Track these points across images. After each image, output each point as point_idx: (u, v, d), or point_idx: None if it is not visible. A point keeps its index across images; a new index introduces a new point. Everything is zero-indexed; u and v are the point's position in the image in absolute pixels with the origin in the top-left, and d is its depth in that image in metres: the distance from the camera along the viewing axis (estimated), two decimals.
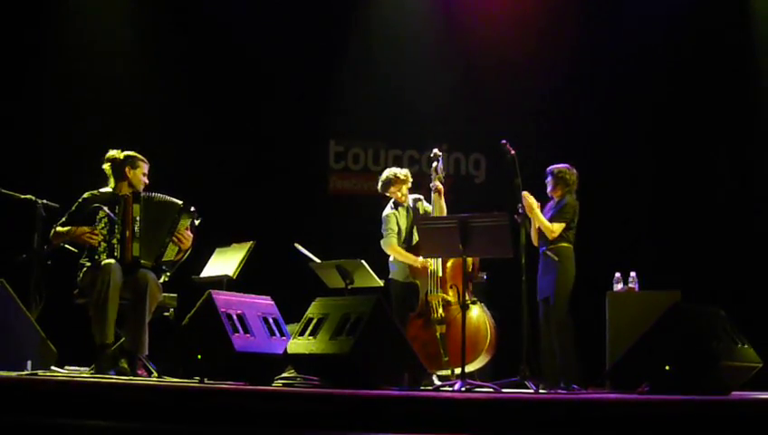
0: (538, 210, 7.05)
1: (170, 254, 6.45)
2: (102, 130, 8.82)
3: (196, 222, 6.55)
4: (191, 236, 6.51)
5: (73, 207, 6.42)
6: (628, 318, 7.05)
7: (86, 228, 6.26)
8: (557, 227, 7.06)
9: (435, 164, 7.24)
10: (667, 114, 9.84)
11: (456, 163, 10.24)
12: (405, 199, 7.41)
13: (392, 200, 7.43)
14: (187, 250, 6.54)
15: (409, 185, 7.44)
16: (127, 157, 6.53)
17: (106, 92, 9.33)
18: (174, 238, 6.42)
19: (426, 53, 10.07)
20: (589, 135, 9.67)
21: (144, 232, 6.36)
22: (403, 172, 7.45)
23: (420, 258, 7.05)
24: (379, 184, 7.49)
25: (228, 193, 9.32)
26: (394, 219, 7.34)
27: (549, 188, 7.25)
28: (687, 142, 9.78)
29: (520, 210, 6.80)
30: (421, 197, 7.49)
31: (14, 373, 5.45)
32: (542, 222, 7.05)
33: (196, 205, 6.61)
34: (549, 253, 7.05)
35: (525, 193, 6.95)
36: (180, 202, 6.48)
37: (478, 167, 10.27)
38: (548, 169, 7.27)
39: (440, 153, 7.32)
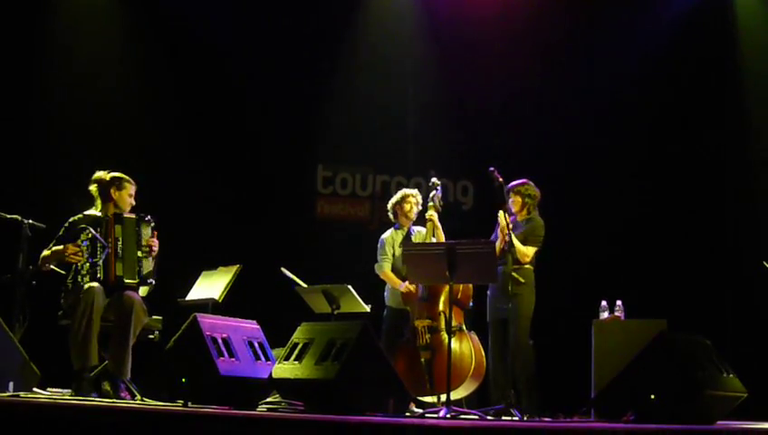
0: (511, 232, 7.01)
1: (147, 265, 6.48)
2: (90, 152, 8.80)
3: (152, 225, 6.55)
4: (156, 241, 6.53)
5: (61, 231, 6.43)
6: (614, 347, 7.04)
7: (71, 246, 6.25)
8: (531, 251, 7.04)
9: (433, 193, 7.25)
10: (655, 141, 9.90)
11: (443, 190, 10.24)
12: (410, 214, 7.40)
13: (394, 226, 7.45)
14: (156, 256, 6.56)
15: (411, 197, 7.44)
16: (113, 178, 6.54)
17: (94, 114, 9.31)
18: (144, 249, 6.45)
19: (414, 79, 10.12)
20: (576, 163, 9.72)
21: (124, 251, 6.38)
22: (405, 191, 7.52)
23: (406, 283, 7.05)
24: (398, 197, 7.51)
25: (215, 216, 9.30)
26: (390, 244, 7.36)
27: (514, 208, 7.17)
28: (675, 170, 9.84)
29: (507, 237, 6.80)
30: (423, 229, 7.47)
31: None
32: (518, 246, 7.01)
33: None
34: (513, 274, 6.99)
35: (501, 212, 6.93)
36: (134, 215, 6.50)
37: (466, 193, 10.30)
38: (510, 186, 7.15)
39: (439, 182, 7.33)
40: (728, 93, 9.94)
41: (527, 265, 7.06)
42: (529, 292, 7.05)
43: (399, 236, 7.42)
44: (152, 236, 6.51)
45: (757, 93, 9.79)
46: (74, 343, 6.09)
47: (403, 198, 7.46)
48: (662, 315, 7.13)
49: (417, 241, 7.34)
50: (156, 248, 6.50)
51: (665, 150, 9.88)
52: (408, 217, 7.43)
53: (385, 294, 7.46)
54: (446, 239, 7.11)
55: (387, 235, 7.46)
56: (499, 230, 7.03)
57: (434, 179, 7.34)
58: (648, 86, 9.87)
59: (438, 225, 7.23)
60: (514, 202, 7.18)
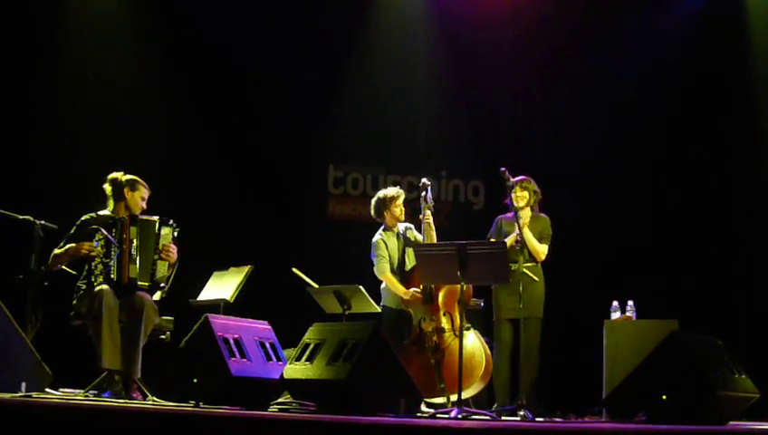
0: (524, 231, 6.98)
1: (161, 270, 6.47)
2: (103, 154, 8.84)
3: (176, 233, 6.55)
4: (175, 248, 6.53)
5: (72, 230, 6.44)
6: (626, 347, 7.03)
7: (86, 243, 6.27)
8: (546, 249, 7.05)
9: (424, 194, 7.23)
10: (667, 140, 9.88)
11: (455, 190, 10.26)
12: (400, 217, 7.40)
13: (382, 226, 7.43)
14: (175, 263, 6.55)
15: (402, 199, 7.42)
16: (128, 179, 6.57)
17: (106, 114, 9.35)
18: (162, 254, 6.44)
19: (426, 79, 10.12)
20: (588, 163, 9.70)
21: (139, 253, 6.39)
22: (391, 191, 7.45)
23: (411, 290, 7.03)
24: (372, 210, 7.49)
25: (227, 217, 9.32)
26: (383, 245, 7.32)
27: (520, 203, 7.08)
28: (687, 170, 9.81)
29: (518, 238, 6.79)
30: (411, 225, 7.47)
31: (7, 395, 5.42)
32: (534, 245, 7.00)
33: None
34: (527, 272, 6.97)
35: (522, 213, 6.93)
36: (157, 217, 6.51)
37: (477, 193, 10.29)
38: (516, 181, 7.06)
39: (429, 183, 7.30)
40: (740, 93, 9.90)
41: (537, 263, 7.07)
42: (541, 291, 7.05)
43: (392, 238, 7.35)
44: (172, 242, 6.52)
45: None
46: (95, 343, 6.12)
47: (392, 201, 7.37)
48: (674, 316, 7.11)
49: (411, 239, 7.34)
50: (173, 254, 6.48)
51: (676, 150, 9.85)
52: (399, 220, 7.41)
53: (381, 293, 7.41)
54: (458, 240, 7.08)
55: (378, 237, 7.37)
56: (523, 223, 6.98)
57: (424, 180, 7.31)
58: (660, 86, 9.84)
59: (432, 225, 7.22)
60: (521, 197, 7.10)
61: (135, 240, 6.39)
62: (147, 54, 9.64)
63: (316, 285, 7.64)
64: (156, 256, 6.44)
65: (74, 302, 6.35)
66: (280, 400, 5.99)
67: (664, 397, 5.67)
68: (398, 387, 5.59)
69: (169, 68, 9.61)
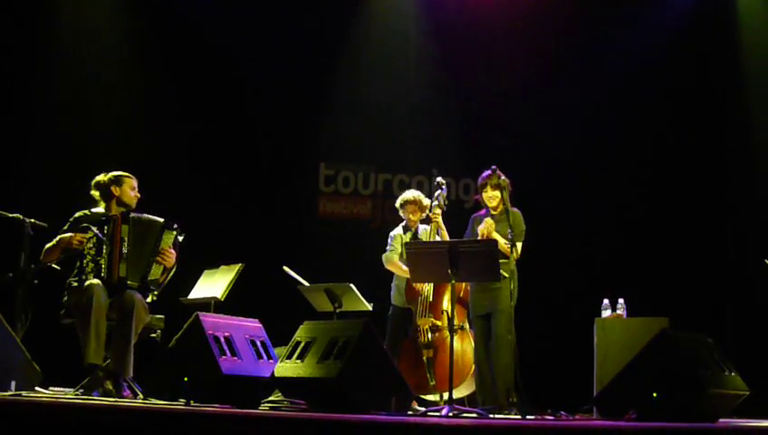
0: (497, 234, 6.88)
1: (155, 273, 6.43)
2: (92, 151, 8.82)
3: (180, 238, 6.52)
4: (174, 253, 6.49)
5: (65, 227, 6.42)
6: (616, 345, 7.05)
7: (78, 235, 6.24)
8: (519, 247, 6.82)
9: (438, 192, 7.22)
10: (657, 139, 9.90)
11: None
12: (411, 220, 7.44)
13: (403, 223, 7.47)
14: (171, 268, 6.52)
15: (415, 204, 7.44)
16: (111, 178, 6.53)
17: (96, 113, 9.33)
18: (158, 257, 6.40)
19: (416, 77, 10.13)
20: (578, 162, 9.71)
21: (131, 252, 6.35)
22: (408, 195, 7.52)
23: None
24: (399, 200, 7.53)
25: (217, 215, 9.31)
26: (399, 239, 7.42)
27: (493, 202, 6.91)
28: (677, 168, 9.84)
29: (510, 235, 6.75)
30: (428, 227, 7.47)
31: None
32: (505, 249, 6.87)
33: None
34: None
35: (489, 220, 6.84)
36: (162, 220, 6.47)
37: (468, 192, 10.30)
38: (485, 179, 6.90)
39: (444, 181, 7.30)
40: (730, 91, 9.93)
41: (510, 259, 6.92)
42: (515, 286, 6.78)
43: (408, 236, 7.43)
44: (173, 246, 6.48)
45: (759, 91, 9.78)
46: (81, 339, 6.10)
47: (403, 205, 7.48)
48: (664, 313, 7.13)
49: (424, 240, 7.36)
50: (169, 258, 6.45)
51: (667, 148, 9.88)
52: (413, 221, 7.46)
53: (390, 292, 7.47)
54: (449, 238, 7.10)
55: (396, 232, 7.51)
56: (482, 230, 6.88)
57: (439, 179, 7.35)
58: (650, 84, 9.87)
59: (442, 225, 7.22)
60: (493, 197, 6.90)
61: (126, 239, 6.36)
62: (139, 55, 9.62)
63: (307, 284, 7.64)
64: (151, 258, 6.40)
65: (64, 299, 6.34)
66: (271, 398, 5.99)
67: (654, 395, 5.68)
68: (389, 385, 5.59)
69: (159, 66, 9.59)
